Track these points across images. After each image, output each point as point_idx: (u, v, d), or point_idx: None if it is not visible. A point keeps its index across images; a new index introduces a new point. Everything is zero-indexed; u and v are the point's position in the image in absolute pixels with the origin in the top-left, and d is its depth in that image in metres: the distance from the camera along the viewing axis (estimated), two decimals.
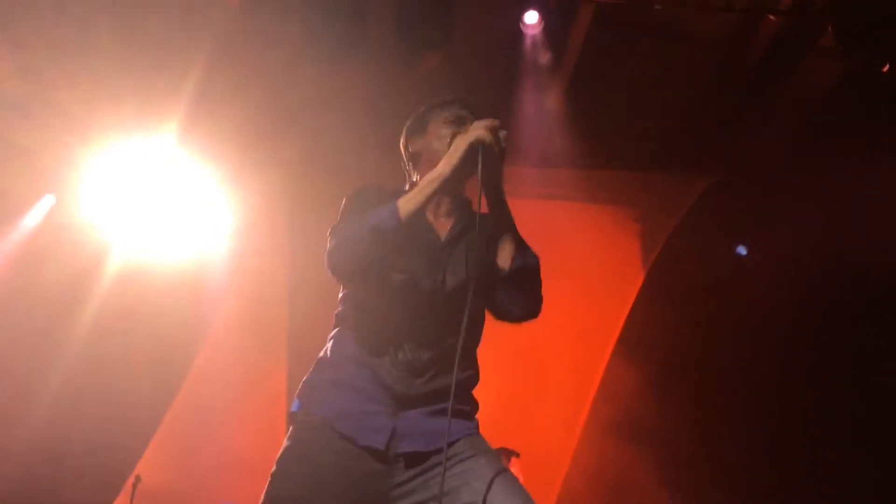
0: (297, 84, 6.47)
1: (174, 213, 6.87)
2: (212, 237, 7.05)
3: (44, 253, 6.66)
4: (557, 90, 6.50)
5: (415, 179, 2.66)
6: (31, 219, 6.85)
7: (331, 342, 2.61)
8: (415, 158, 2.69)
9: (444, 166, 2.40)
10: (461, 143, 2.39)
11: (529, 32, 5.88)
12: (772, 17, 6.06)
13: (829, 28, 5.85)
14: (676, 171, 7.49)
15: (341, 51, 5.87)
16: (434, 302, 2.46)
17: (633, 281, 7.54)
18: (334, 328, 2.64)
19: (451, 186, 2.45)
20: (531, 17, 5.74)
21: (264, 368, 7.16)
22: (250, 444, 6.59)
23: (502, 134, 2.44)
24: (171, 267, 6.84)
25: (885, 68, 5.69)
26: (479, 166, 2.36)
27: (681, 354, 7.21)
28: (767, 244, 7.17)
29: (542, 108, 6.39)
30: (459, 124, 2.56)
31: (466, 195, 2.67)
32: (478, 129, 2.41)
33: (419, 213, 2.38)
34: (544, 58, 6.06)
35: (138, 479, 5.95)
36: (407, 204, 2.35)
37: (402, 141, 2.77)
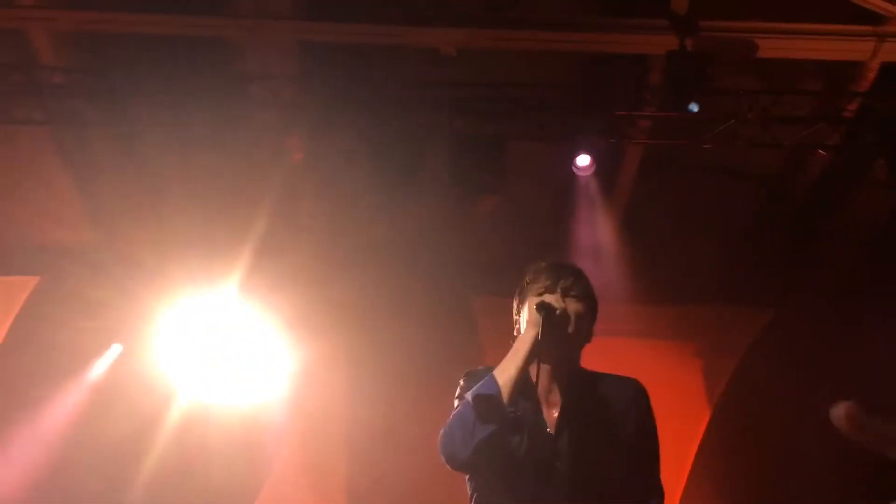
0: (354, 229, 6.69)
1: (236, 360, 6.97)
2: (272, 384, 7.10)
3: (108, 403, 6.78)
4: (611, 227, 6.60)
5: None
6: (99, 368, 7.01)
7: None
8: (518, 329, 2.70)
9: (524, 333, 2.48)
10: (532, 310, 2.47)
11: (582, 175, 6.03)
12: (821, 151, 6.14)
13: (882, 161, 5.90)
14: (734, 304, 7.41)
15: (399, 197, 6.11)
16: (546, 492, 2.45)
17: (698, 420, 7.33)
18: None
19: (545, 353, 2.48)
20: (583, 160, 5.90)
21: None
22: None
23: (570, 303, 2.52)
24: (231, 415, 6.89)
25: None
26: (539, 331, 2.42)
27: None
28: (828, 381, 6.95)
29: (597, 245, 6.47)
30: (546, 294, 2.59)
31: (584, 370, 2.66)
32: (547, 297, 2.51)
33: (517, 382, 2.40)
34: (597, 198, 6.19)
35: None
36: (503, 374, 2.40)
37: (512, 316, 2.80)
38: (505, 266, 6.91)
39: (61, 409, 6.89)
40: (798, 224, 7.14)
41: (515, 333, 2.68)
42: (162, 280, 6.66)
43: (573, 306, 2.57)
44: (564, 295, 2.58)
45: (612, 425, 2.54)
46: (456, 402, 2.58)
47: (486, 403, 2.34)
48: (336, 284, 7.02)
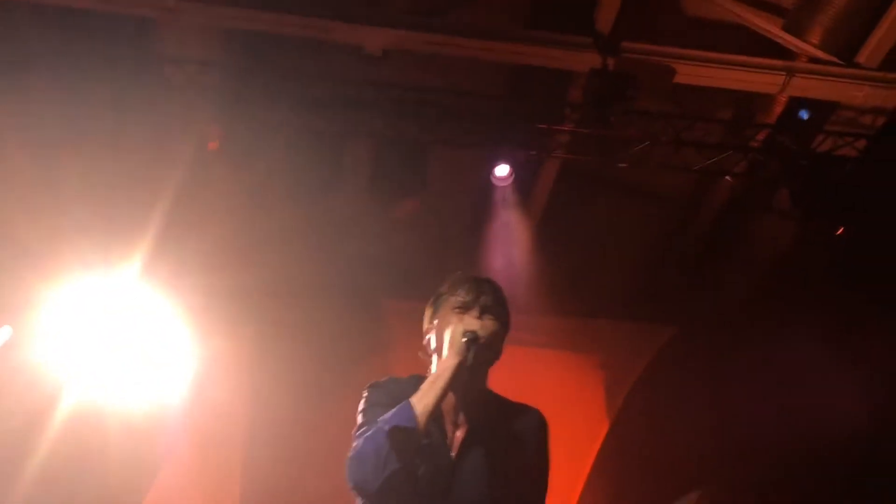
0: (266, 220, 6.56)
1: (133, 349, 6.72)
2: (170, 377, 6.89)
3: None
4: (524, 238, 6.68)
5: (433, 370, 2.60)
6: None
7: None
8: (430, 345, 2.66)
9: (448, 359, 2.43)
10: (456, 336, 2.45)
11: (500, 184, 6.08)
12: (728, 178, 6.36)
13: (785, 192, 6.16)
14: (637, 319, 7.62)
15: (316, 192, 6.03)
16: None
17: (596, 430, 7.50)
18: None
19: (463, 380, 2.44)
20: (502, 170, 5.95)
21: None
22: None
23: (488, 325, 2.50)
24: (125, 408, 6.63)
25: (840, 231, 5.96)
26: (463, 360, 2.40)
27: None
28: (728, 397, 7.22)
29: (509, 255, 6.54)
30: (466, 310, 2.58)
31: (489, 391, 2.64)
32: (470, 322, 2.49)
33: (434, 411, 2.37)
34: (513, 208, 6.25)
35: None
36: (420, 402, 2.35)
37: (424, 324, 2.75)
38: (419, 270, 6.97)
39: None
40: (703, 246, 7.39)
41: (425, 343, 2.66)
42: (52, 264, 6.35)
43: (491, 326, 2.55)
44: (482, 312, 2.56)
45: (513, 452, 2.52)
46: (360, 418, 2.52)
47: (403, 436, 2.30)
48: (244, 275, 6.86)
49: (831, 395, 6.63)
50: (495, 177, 6.00)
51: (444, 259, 6.79)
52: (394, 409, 2.35)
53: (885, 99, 5.84)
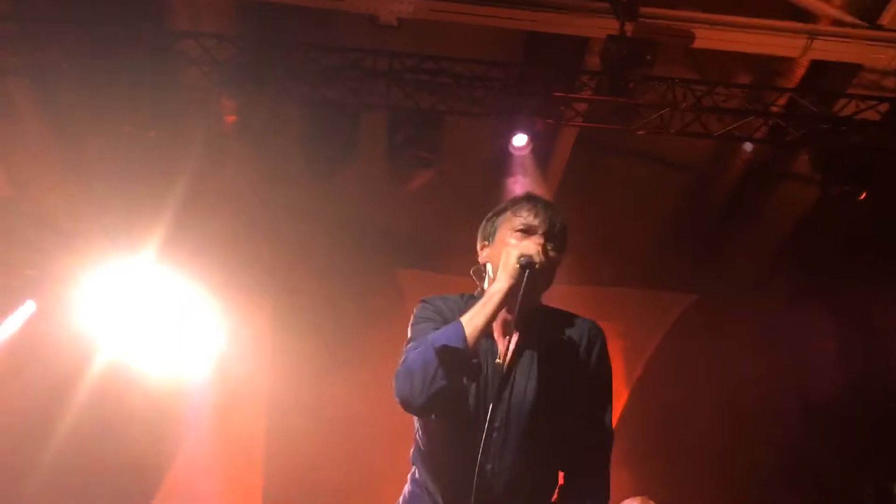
0: (282, 195, 6.58)
1: (158, 323, 6.81)
2: (195, 349, 6.97)
3: (21, 363, 6.54)
4: None
5: (485, 286, 2.54)
6: (11, 325, 6.75)
7: (408, 488, 2.62)
8: (484, 265, 2.57)
9: (499, 282, 2.34)
10: (511, 259, 2.34)
11: (517, 154, 6.03)
12: (748, 143, 6.28)
13: (805, 155, 6.08)
14: (657, 287, 7.58)
15: (333, 165, 6.02)
16: (505, 435, 2.40)
17: (616, 398, 7.50)
18: (412, 469, 2.63)
19: (515, 301, 2.34)
20: (519, 140, 5.90)
21: (239, 481, 6.95)
22: None
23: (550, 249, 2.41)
24: (150, 379, 6.74)
25: (863, 196, 5.88)
26: (522, 285, 2.30)
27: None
28: (745, 365, 7.21)
29: None
30: (528, 233, 2.45)
31: (543, 306, 2.56)
32: (528, 246, 2.38)
33: (483, 332, 2.32)
34: (530, 178, 6.21)
35: None
36: (471, 323, 2.30)
37: (478, 243, 2.64)
38: (434, 241, 6.98)
39: None
40: (723, 213, 7.32)
41: (481, 260, 2.57)
42: (78, 240, 6.42)
43: (552, 255, 2.44)
44: (546, 239, 2.44)
45: (568, 361, 2.47)
46: (409, 331, 2.50)
47: (451, 355, 2.26)
48: (263, 249, 6.90)
49: (847, 362, 6.61)
50: (512, 146, 5.95)
51: (460, 230, 6.75)
52: (445, 328, 2.34)
53: None
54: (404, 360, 2.36)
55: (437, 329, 2.39)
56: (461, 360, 2.28)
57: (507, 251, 2.39)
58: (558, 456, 2.50)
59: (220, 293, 6.84)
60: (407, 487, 2.63)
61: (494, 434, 2.38)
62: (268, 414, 7.06)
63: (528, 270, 2.31)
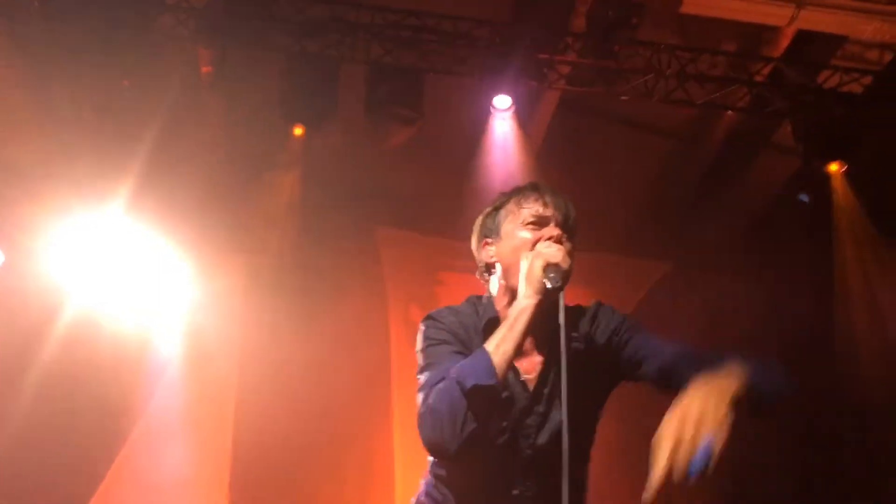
0: (259, 149, 6.47)
1: (127, 276, 6.71)
2: (165, 301, 6.89)
3: None
4: (522, 170, 6.60)
5: (493, 293, 2.34)
6: None
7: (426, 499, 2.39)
8: (489, 268, 2.36)
9: (526, 298, 2.11)
10: (535, 271, 2.12)
11: (499, 114, 5.97)
12: (731, 112, 6.26)
13: (787, 127, 6.06)
14: (636, 255, 7.60)
15: (310, 119, 5.92)
16: (532, 461, 2.22)
17: None
18: (428, 476, 2.41)
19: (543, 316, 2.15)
20: (501, 101, 5.83)
21: (210, 440, 6.94)
22: None
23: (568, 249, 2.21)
24: (119, 330, 6.65)
25: (839, 168, 5.91)
26: (560, 302, 2.08)
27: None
28: (721, 333, 7.26)
29: (506, 187, 6.47)
30: (541, 225, 2.26)
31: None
32: (553, 253, 2.15)
33: (514, 357, 2.09)
34: (511, 139, 6.15)
35: None
36: (498, 352, 2.06)
37: (473, 243, 2.42)
38: (413, 200, 6.92)
39: None
40: (702, 181, 7.32)
41: (486, 259, 2.34)
42: (46, 189, 6.27)
43: (569, 246, 2.25)
44: (561, 229, 2.25)
45: (593, 362, 2.29)
46: (421, 358, 2.26)
47: (482, 394, 2.02)
48: (235, 204, 6.81)
49: (823, 335, 6.67)
50: (494, 107, 5.88)
51: (439, 189, 6.73)
52: (470, 359, 2.08)
53: (894, 34, 5.71)
54: (427, 402, 2.11)
55: (456, 353, 2.17)
56: (493, 398, 2.06)
57: (527, 257, 2.17)
58: (585, 473, 2.34)
59: (191, 247, 6.74)
60: (423, 497, 2.40)
61: (523, 457, 2.22)
62: (239, 369, 7.01)
63: (556, 281, 2.08)
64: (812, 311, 6.79)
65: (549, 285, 2.08)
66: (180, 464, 6.70)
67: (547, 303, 2.11)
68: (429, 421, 2.07)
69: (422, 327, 2.32)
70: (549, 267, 2.11)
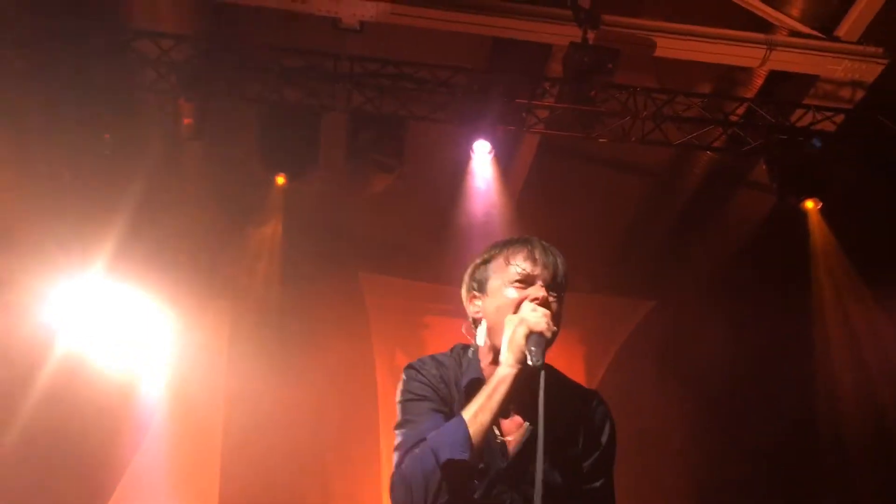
0: (241, 197, 6.49)
1: (111, 327, 6.66)
2: (150, 352, 6.84)
3: None
4: (503, 213, 6.65)
5: (479, 344, 2.30)
6: None
7: None
8: (476, 321, 2.30)
9: (506, 366, 2.07)
10: (517, 339, 2.07)
11: (478, 160, 6.03)
12: (708, 153, 6.35)
13: (762, 165, 6.16)
14: (619, 293, 7.63)
15: (292, 168, 5.95)
16: None
17: None
18: None
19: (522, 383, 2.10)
20: (481, 146, 5.89)
21: (196, 487, 6.85)
22: None
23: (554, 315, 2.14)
24: (104, 382, 6.58)
25: (814, 205, 6.01)
26: (533, 363, 2.03)
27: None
28: (706, 369, 7.28)
29: (488, 231, 6.50)
30: (527, 283, 2.19)
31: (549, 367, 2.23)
32: (536, 320, 2.09)
33: (489, 430, 2.06)
34: (491, 183, 6.21)
35: None
36: (475, 421, 2.03)
37: (462, 293, 2.35)
38: (394, 246, 6.94)
39: None
40: (682, 219, 7.40)
41: (472, 314, 2.29)
42: (28, 245, 6.24)
43: (556, 309, 2.19)
44: (548, 289, 2.18)
45: (578, 441, 2.25)
46: (400, 411, 2.22)
47: (456, 467, 1.99)
48: (220, 254, 6.81)
49: (801, 368, 6.70)
50: (474, 152, 5.94)
51: (421, 234, 6.77)
52: (445, 428, 2.05)
53: (865, 73, 5.84)
54: (399, 465, 2.09)
55: (435, 412, 2.15)
56: (467, 471, 2.03)
57: (511, 322, 2.11)
58: None
59: (174, 297, 6.72)
60: None
61: None
62: (224, 416, 6.96)
63: (539, 350, 2.03)
64: (790, 345, 6.84)
65: (529, 361, 2.04)
66: None
67: (529, 370, 2.06)
68: (401, 489, 2.05)
69: (403, 377, 2.28)
70: (531, 336, 2.07)
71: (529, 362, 2.04)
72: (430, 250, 6.62)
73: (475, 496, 2.10)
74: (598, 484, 2.27)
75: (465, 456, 1.99)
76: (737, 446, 7.12)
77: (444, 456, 1.99)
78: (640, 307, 7.79)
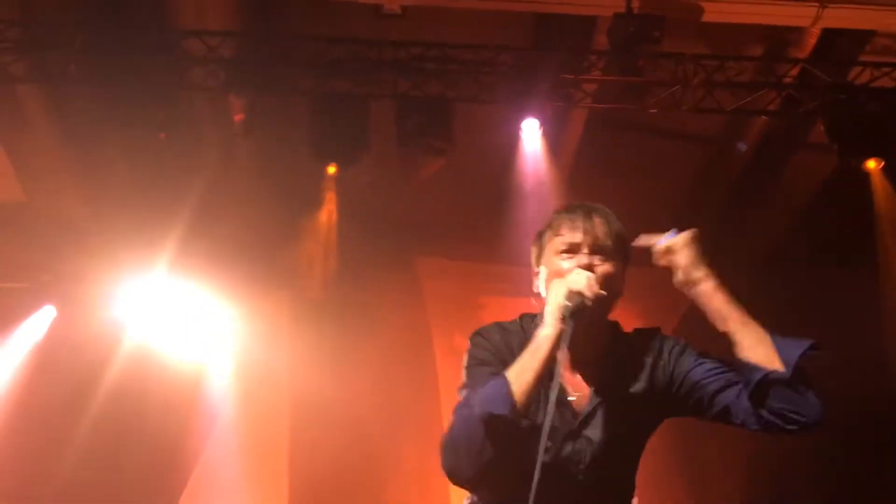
0: (296, 191, 6.57)
1: (178, 321, 6.85)
2: (215, 343, 7.02)
3: (44, 365, 6.62)
4: (556, 190, 6.61)
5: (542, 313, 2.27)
6: (33, 330, 6.82)
7: None
8: (539, 290, 2.29)
9: (546, 327, 2.09)
10: (558, 298, 2.09)
11: (528, 138, 6.00)
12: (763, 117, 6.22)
13: (820, 126, 6.00)
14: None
15: (342, 158, 6.01)
16: (580, 486, 2.17)
17: None
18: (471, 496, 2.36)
19: (568, 342, 2.09)
20: (529, 124, 5.86)
21: (266, 476, 7.01)
22: None
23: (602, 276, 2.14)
24: (171, 377, 6.77)
25: (877, 165, 5.83)
26: (567, 328, 2.04)
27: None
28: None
29: (542, 208, 6.48)
30: (572, 252, 2.22)
31: (612, 328, 2.30)
32: (576, 280, 2.10)
33: (535, 389, 2.05)
34: (542, 161, 6.18)
35: None
36: (518, 380, 2.04)
37: (532, 263, 2.40)
38: (448, 229, 6.95)
39: None
40: (738, 187, 7.26)
41: (535, 286, 2.30)
42: (93, 243, 6.44)
43: (604, 269, 2.19)
44: (593, 252, 2.20)
45: (645, 393, 2.21)
46: (463, 376, 2.24)
47: (498, 424, 2.00)
48: (278, 246, 6.91)
49: (869, 338, 6.52)
50: (523, 131, 5.92)
51: (474, 215, 6.76)
52: (492, 385, 2.06)
53: None
54: (450, 426, 2.12)
55: (493, 374, 2.14)
56: (510, 427, 2.02)
57: (553, 286, 2.14)
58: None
59: (237, 290, 6.86)
60: None
61: (570, 482, 2.17)
62: (290, 404, 7.08)
63: (577, 312, 2.04)
64: (856, 313, 6.65)
65: (565, 305, 2.06)
66: (240, 495, 6.75)
67: (583, 326, 2.08)
68: (447, 449, 2.10)
69: (469, 344, 2.31)
70: (570, 295, 2.08)
71: (565, 305, 2.06)
72: (484, 231, 6.62)
73: (546, 458, 2.08)
74: (708, 379, 2.23)
75: (506, 411, 2.00)
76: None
77: (484, 410, 2.01)
78: None
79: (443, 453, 2.11)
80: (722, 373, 2.20)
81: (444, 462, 2.10)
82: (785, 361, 2.09)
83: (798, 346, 2.12)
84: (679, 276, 2.20)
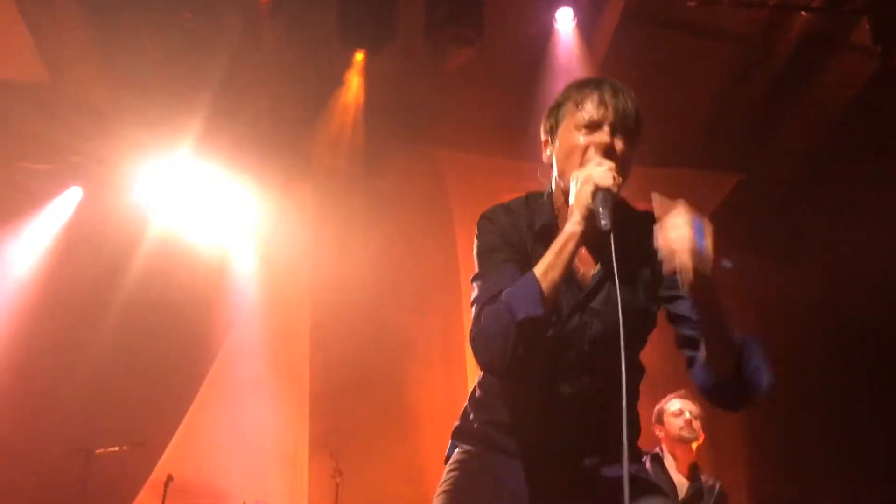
0: (320, 78, 6.47)
1: (199, 206, 6.89)
2: (237, 229, 7.07)
3: (72, 246, 6.70)
4: None
5: (552, 188, 2.31)
6: (59, 211, 6.89)
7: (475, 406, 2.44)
8: (550, 164, 2.29)
9: (572, 224, 2.07)
10: (583, 194, 2.06)
11: (560, 29, 5.82)
12: (804, 13, 5.97)
13: (865, 25, 5.76)
14: (706, 166, 7.42)
15: (369, 46, 5.88)
16: (586, 357, 2.24)
17: None
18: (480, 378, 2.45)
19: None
20: (563, 14, 5.68)
21: (288, 359, 7.16)
22: (275, 437, 6.63)
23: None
24: (196, 260, 6.86)
25: None
26: (601, 220, 2.01)
27: None
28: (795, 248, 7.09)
29: None
30: (593, 129, 2.18)
31: (622, 202, 2.25)
32: (602, 174, 2.07)
33: (562, 283, 2.08)
34: (573, 54, 6.01)
35: (170, 478, 5.90)
36: (546, 277, 2.05)
37: (541, 134, 2.35)
38: (474, 122, 6.85)
39: (20, 250, 6.81)
40: (774, 88, 7.06)
41: (545, 158, 2.30)
42: (119, 124, 6.42)
43: (623, 151, 2.17)
44: (614, 132, 2.17)
45: (655, 262, 2.15)
46: (477, 263, 2.27)
47: (531, 324, 2.04)
48: (302, 133, 6.86)
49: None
50: (556, 21, 5.73)
51: (501, 110, 6.65)
52: (518, 285, 2.08)
53: None
54: (478, 320, 2.15)
55: (507, 262, 2.19)
56: (543, 327, 2.08)
57: (576, 178, 2.10)
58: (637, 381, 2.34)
59: (261, 175, 6.86)
60: (478, 389, 2.44)
61: (575, 353, 2.23)
62: (311, 286, 7.13)
63: (606, 205, 2.01)
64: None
65: (599, 224, 2.03)
66: (262, 377, 6.92)
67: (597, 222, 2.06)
68: (481, 344, 2.12)
69: (477, 229, 2.33)
70: (598, 194, 2.05)
71: (599, 225, 2.03)
72: (510, 126, 6.51)
73: (553, 331, 2.17)
74: (687, 321, 2.26)
75: (540, 312, 2.04)
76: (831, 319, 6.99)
77: (520, 314, 2.03)
78: (726, 181, 7.54)
79: (476, 349, 2.14)
80: (697, 328, 2.18)
81: (480, 357, 2.14)
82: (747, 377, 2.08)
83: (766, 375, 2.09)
84: (688, 276, 1.97)
